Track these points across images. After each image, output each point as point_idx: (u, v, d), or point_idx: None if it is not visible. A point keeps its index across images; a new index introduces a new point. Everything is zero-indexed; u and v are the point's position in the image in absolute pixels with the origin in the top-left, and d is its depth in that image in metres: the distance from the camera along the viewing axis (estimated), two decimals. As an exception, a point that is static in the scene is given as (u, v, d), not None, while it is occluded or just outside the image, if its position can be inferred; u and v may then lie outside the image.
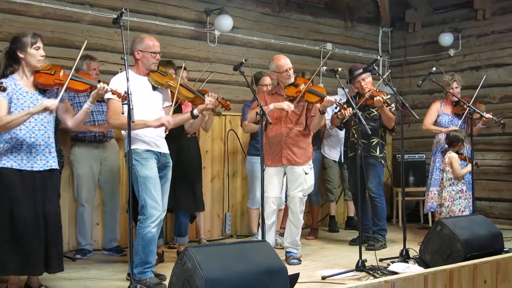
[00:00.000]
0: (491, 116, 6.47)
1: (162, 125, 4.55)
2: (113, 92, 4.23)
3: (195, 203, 5.89)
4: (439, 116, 6.93)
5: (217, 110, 5.03)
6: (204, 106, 4.77)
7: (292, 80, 5.57)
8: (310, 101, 5.46)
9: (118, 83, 4.48)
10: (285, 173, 5.61)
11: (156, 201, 4.58)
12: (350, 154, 6.40)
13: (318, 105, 5.42)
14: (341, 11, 8.86)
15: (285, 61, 5.54)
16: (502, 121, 6.56)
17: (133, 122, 4.08)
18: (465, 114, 6.64)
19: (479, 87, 6.84)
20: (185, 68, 5.57)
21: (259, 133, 4.90)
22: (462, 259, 4.77)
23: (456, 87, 6.80)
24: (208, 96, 4.83)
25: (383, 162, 6.42)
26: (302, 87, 5.43)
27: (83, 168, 5.91)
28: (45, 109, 4.05)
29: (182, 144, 5.68)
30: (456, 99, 6.75)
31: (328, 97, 5.30)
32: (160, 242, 5.65)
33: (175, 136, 5.41)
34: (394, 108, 5.94)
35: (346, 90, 5.66)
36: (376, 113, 6.30)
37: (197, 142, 6.12)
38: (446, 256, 4.91)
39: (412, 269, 4.81)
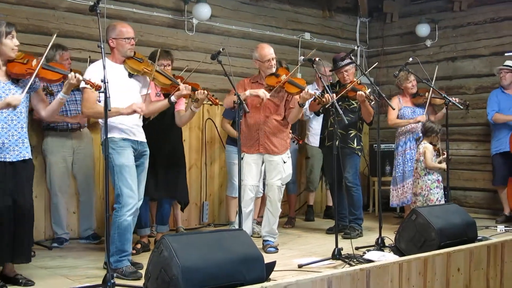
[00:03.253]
0: (454, 100, 6.54)
1: (134, 111, 4.53)
2: (86, 82, 4.16)
3: (186, 191, 5.90)
4: (401, 109, 7.03)
5: (194, 97, 5.02)
6: (180, 92, 4.85)
7: (274, 70, 5.59)
8: (290, 92, 5.48)
9: (93, 72, 4.42)
10: (263, 162, 5.64)
11: (132, 189, 4.58)
12: (328, 143, 6.39)
13: (297, 97, 5.45)
14: (319, 1, 8.86)
15: (268, 51, 5.57)
16: (466, 102, 6.78)
17: (109, 110, 4.02)
18: (427, 103, 6.82)
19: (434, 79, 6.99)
20: (167, 53, 5.56)
21: (237, 122, 4.91)
22: (437, 247, 4.83)
23: (413, 80, 6.97)
24: (199, 91, 4.94)
25: (359, 154, 6.46)
26: (283, 77, 5.45)
27: (55, 157, 5.86)
28: (8, 105, 3.98)
29: (174, 135, 5.66)
30: (414, 91, 6.99)
31: (307, 89, 5.33)
32: (146, 231, 5.65)
33: (167, 127, 5.47)
34: (373, 102, 5.96)
35: (324, 79, 5.67)
36: (355, 105, 6.32)
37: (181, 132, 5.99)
38: (420, 244, 4.97)
39: (387, 257, 4.86)
